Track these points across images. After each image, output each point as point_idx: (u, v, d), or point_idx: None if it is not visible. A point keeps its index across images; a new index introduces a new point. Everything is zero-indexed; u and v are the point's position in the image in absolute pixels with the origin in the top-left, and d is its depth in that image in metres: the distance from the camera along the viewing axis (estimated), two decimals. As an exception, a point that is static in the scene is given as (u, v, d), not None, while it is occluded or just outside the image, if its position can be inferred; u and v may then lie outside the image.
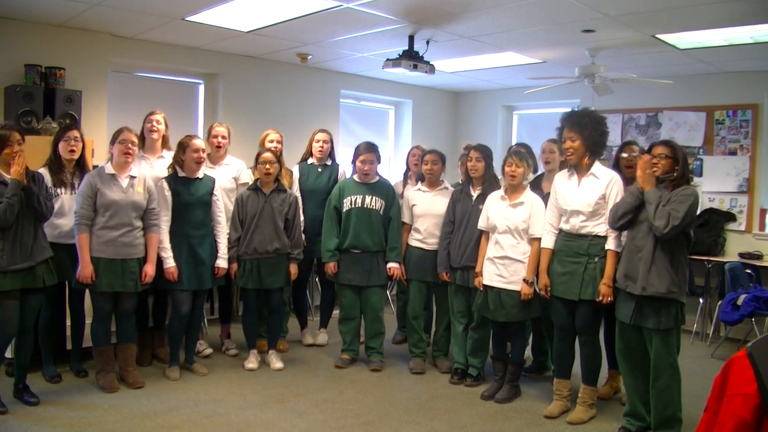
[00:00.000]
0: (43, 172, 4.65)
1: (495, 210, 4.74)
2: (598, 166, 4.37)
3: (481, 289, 4.76)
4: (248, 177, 5.64)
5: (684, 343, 4.25)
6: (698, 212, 4.32)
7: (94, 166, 4.99)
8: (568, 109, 4.60)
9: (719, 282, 6.66)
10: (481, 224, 4.85)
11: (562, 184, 4.48)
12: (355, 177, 5.49)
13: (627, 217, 4.06)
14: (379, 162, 5.49)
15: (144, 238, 4.74)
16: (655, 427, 4.01)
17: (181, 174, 5.00)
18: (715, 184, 7.29)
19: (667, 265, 3.89)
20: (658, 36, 5.74)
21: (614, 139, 7.82)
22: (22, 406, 4.29)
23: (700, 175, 7.29)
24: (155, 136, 5.31)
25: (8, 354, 4.54)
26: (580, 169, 4.40)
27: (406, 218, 5.41)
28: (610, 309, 4.26)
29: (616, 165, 4.84)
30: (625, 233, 4.20)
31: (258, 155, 5.27)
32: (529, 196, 4.73)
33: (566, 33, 5.77)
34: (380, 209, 5.37)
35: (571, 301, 4.35)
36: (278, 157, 5.48)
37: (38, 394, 4.41)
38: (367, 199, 5.36)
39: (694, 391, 4.63)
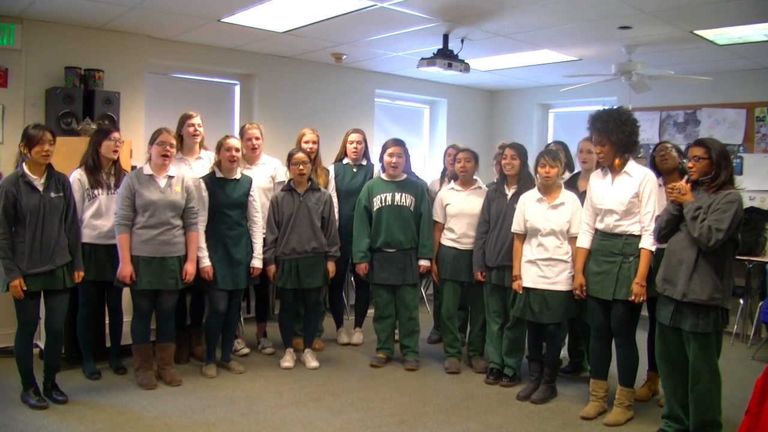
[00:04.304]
0: (80, 172, 4.73)
1: (534, 212, 4.68)
2: (632, 165, 4.32)
3: (521, 292, 4.72)
4: (284, 175, 5.68)
5: (724, 344, 4.17)
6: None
7: (133, 167, 5.07)
8: (598, 108, 4.53)
9: (760, 282, 6.57)
10: (517, 228, 4.78)
11: (597, 183, 4.45)
12: (383, 175, 5.50)
13: (668, 229, 3.98)
14: (407, 157, 5.49)
15: (184, 237, 4.79)
16: (694, 430, 3.93)
17: (218, 175, 5.05)
18: (756, 182, 7.14)
19: (710, 272, 3.77)
20: (697, 32, 5.65)
21: (652, 136, 7.73)
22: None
23: (740, 173, 7.15)
24: (198, 139, 5.39)
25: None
26: (613, 168, 4.36)
27: (438, 217, 5.39)
28: (653, 310, 4.20)
29: (653, 164, 4.76)
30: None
31: (290, 155, 5.28)
32: (567, 195, 4.69)
33: (602, 30, 5.71)
34: (411, 206, 5.36)
35: (606, 301, 4.31)
36: (314, 156, 5.48)
37: (78, 391, 4.49)
38: (397, 196, 5.35)
39: (735, 393, 4.55)
